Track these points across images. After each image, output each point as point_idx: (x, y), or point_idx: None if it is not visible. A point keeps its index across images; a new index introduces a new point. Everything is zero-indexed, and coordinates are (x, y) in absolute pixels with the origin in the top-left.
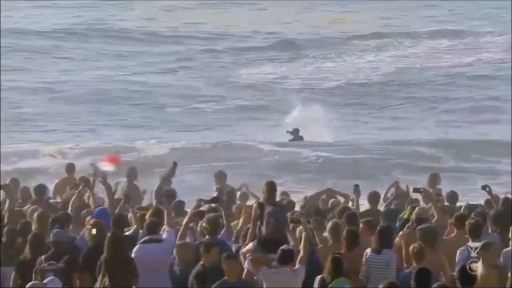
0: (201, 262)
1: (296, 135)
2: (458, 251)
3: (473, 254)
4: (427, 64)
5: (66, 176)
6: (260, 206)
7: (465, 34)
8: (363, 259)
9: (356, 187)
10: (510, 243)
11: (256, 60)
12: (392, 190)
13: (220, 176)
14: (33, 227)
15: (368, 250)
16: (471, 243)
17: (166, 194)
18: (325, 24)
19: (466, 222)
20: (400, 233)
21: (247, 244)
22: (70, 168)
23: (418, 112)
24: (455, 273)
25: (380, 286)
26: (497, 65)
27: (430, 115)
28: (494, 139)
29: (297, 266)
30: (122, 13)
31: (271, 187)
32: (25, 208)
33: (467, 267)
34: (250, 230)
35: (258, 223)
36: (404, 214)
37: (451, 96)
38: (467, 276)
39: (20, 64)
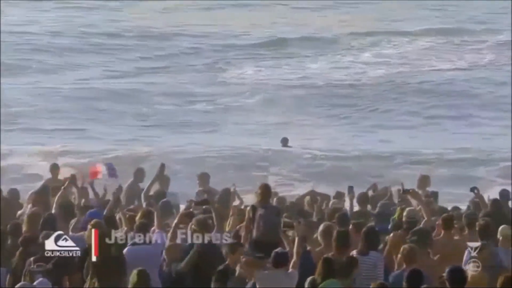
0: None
1: (284, 143)
2: (466, 252)
3: (473, 254)
4: (425, 64)
5: (50, 176)
6: (253, 209)
7: (463, 34)
8: None
9: (350, 188)
10: (499, 243)
11: (245, 59)
12: (370, 192)
13: (203, 178)
14: (24, 228)
15: (354, 252)
16: (471, 243)
17: (156, 196)
18: (315, 23)
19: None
20: (391, 234)
21: None
22: (54, 168)
23: (415, 112)
24: (444, 274)
25: (371, 287)
26: (497, 65)
27: (428, 114)
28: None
29: (290, 270)
30: (114, 14)
31: (265, 190)
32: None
33: (467, 267)
34: (243, 234)
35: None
36: (395, 217)
37: (450, 97)
38: (456, 277)
39: (12, 64)
